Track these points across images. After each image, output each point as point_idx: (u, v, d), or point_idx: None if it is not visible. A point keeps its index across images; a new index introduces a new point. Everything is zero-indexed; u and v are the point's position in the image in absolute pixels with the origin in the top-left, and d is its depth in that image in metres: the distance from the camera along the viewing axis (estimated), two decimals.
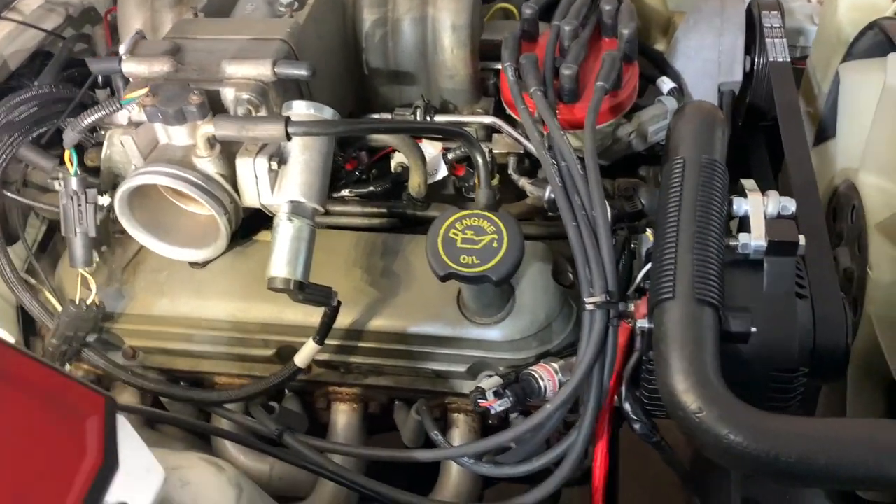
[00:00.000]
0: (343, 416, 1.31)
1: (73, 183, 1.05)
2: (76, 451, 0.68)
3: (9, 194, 1.21)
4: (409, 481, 1.33)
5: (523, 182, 1.24)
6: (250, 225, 1.21)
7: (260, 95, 1.03)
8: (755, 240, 1.02)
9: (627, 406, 1.07)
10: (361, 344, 1.20)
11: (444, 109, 1.34)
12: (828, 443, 0.81)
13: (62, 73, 1.34)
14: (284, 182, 1.03)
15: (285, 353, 1.22)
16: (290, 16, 1.20)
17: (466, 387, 1.21)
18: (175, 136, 1.03)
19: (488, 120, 1.26)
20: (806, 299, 1.03)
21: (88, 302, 1.13)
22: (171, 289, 1.22)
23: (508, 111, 1.30)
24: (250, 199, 1.06)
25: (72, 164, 1.05)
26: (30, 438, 0.68)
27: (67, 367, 1.17)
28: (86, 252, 1.09)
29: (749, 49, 1.54)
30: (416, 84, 1.33)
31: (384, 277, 1.20)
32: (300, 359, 1.12)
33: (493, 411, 1.01)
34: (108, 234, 1.18)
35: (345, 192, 1.26)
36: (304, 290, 1.02)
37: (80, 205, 1.06)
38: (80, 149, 1.22)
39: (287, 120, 0.95)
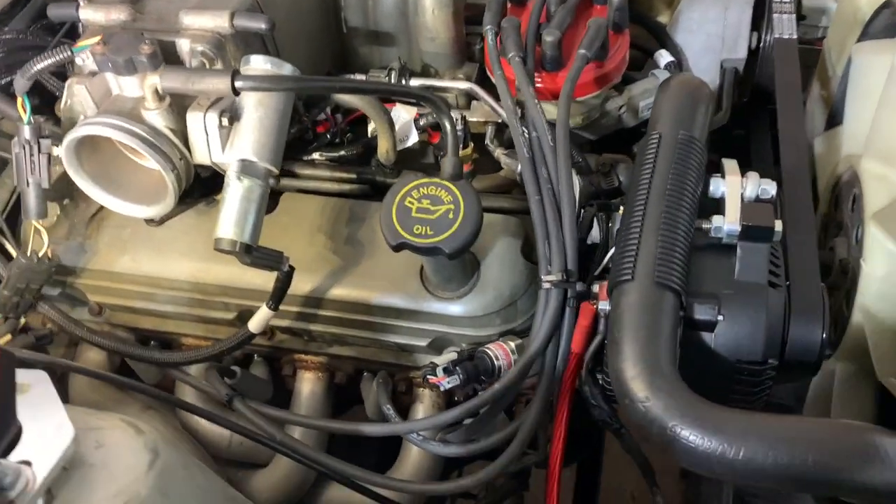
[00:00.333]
0: (308, 385, 1.28)
1: (26, 132, 1.02)
2: None
3: None
4: (378, 459, 1.31)
5: (498, 153, 1.19)
6: (216, 184, 1.18)
7: (215, 48, 0.99)
8: (729, 223, 0.96)
9: (586, 390, 1.02)
10: (322, 312, 1.17)
11: (424, 73, 1.29)
12: (780, 442, 0.76)
13: (39, 20, 1.31)
14: (236, 140, 0.99)
15: (246, 316, 1.18)
16: None
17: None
18: (126, 87, 1.00)
19: (464, 86, 1.21)
20: (780, 289, 0.97)
21: (40, 254, 1.10)
22: (133, 246, 1.20)
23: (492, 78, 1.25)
24: (201, 156, 1.02)
25: (24, 111, 1.02)
26: None
27: (21, 319, 1.15)
28: (39, 204, 1.06)
29: (757, 25, 1.46)
30: (397, 45, 1.28)
31: (348, 245, 1.16)
32: (254, 324, 1.09)
33: (441, 388, 0.97)
34: (70, 187, 1.15)
35: (315, 156, 1.22)
36: (252, 254, 0.98)
37: (32, 155, 1.03)
38: (51, 98, 1.19)
39: (234, 73, 0.91)
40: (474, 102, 1.25)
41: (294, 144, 1.21)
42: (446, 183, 0.98)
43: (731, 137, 1.52)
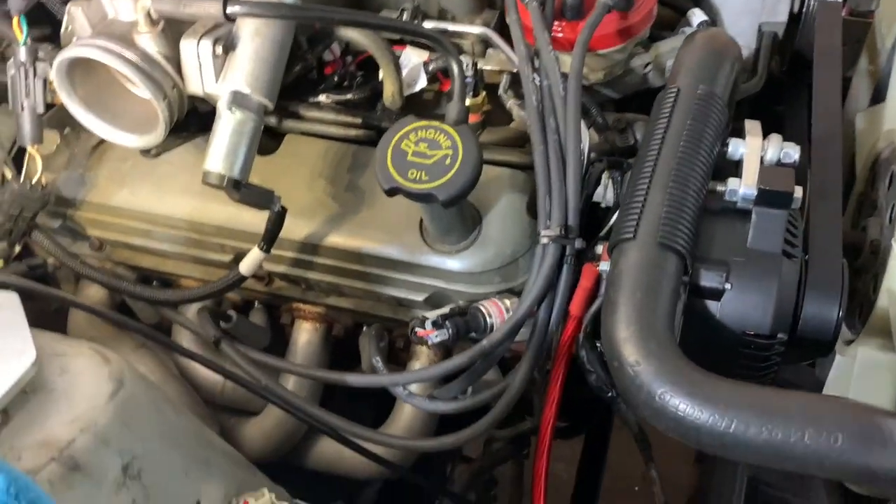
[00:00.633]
0: (305, 335, 1.26)
1: (21, 53, 1.00)
2: None
3: None
4: (375, 419, 1.28)
5: (511, 103, 1.13)
6: None
7: None
8: (745, 186, 0.90)
9: (583, 354, 0.97)
10: (318, 260, 1.13)
11: (441, 18, 1.23)
12: (774, 417, 0.71)
13: None
14: (230, 70, 0.95)
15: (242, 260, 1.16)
16: None
17: None
18: (121, 9, 0.96)
19: (478, 30, 1.15)
20: (795, 260, 0.90)
21: (34, 181, 1.08)
22: (132, 180, 1.18)
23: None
24: (194, 86, 0.98)
25: (21, 31, 0.99)
26: None
27: (16, 247, 1.13)
28: (33, 129, 1.04)
29: None
30: None
31: (348, 192, 1.12)
32: (245, 266, 1.06)
33: (429, 341, 0.93)
34: (71, 117, 1.13)
35: (322, 98, 1.18)
36: (241, 190, 0.95)
37: (27, 78, 1.00)
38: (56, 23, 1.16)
39: None
40: (490, 51, 1.19)
41: (300, 85, 1.17)
42: (446, 127, 0.93)
43: (773, 114, 1.44)
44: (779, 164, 0.93)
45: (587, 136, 0.99)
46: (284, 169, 1.15)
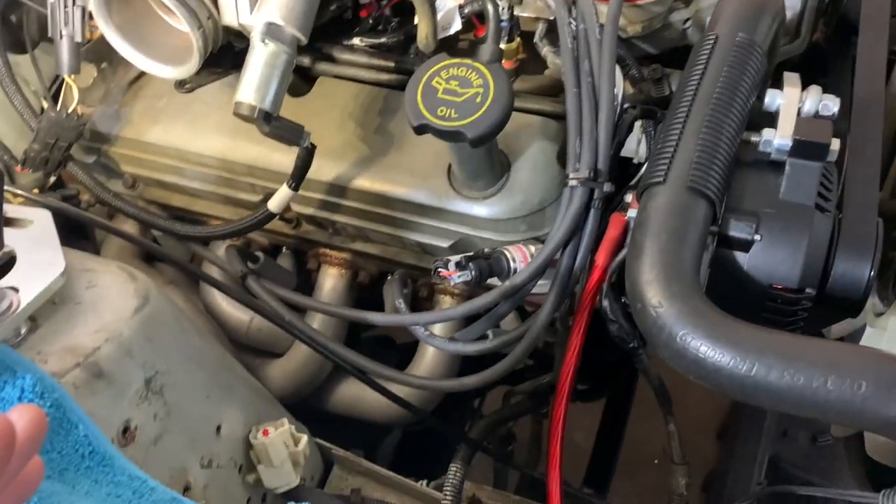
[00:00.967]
0: (330, 280, 1.27)
1: None
2: None
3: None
4: (402, 359, 1.29)
5: (546, 51, 1.12)
6: None
7: None
8: (780, 137, 0.88)
9: (606, 304, 0.96)
10: (346, 202, 1.13)
11: None
12: (797, 362, 0.70)
13: None
14: (264, 2, 0.95)
15: None
16: None
17: None
18: None
19: None
20: (828, 214, 0.89)
21: (69, 110, 1.10)
22: (166, 116, 1.19)
23: None
24: (229, 17, 0.99)
25: None
26: None
27: (52, 177, 1.16)
28: (71, 58, 1.05)
29: None
30: None
31: (377, 135, 1.12)
32: (274, 203, 1.07)
33: (451, 282, 0.92)
34: (109, 50, 1.14)
35: (356, 41, 1.17)
36: (271, 123, 0.95)
37: (66, 6, 1.01)
38: None
39: None
40: None
41: (335, 27, 1.16)
42: (478, 65, 0.92)
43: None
44: (816, 115, 0.90)
45: (622, 81, 0.98)
46: (316, 110, 1.15)
